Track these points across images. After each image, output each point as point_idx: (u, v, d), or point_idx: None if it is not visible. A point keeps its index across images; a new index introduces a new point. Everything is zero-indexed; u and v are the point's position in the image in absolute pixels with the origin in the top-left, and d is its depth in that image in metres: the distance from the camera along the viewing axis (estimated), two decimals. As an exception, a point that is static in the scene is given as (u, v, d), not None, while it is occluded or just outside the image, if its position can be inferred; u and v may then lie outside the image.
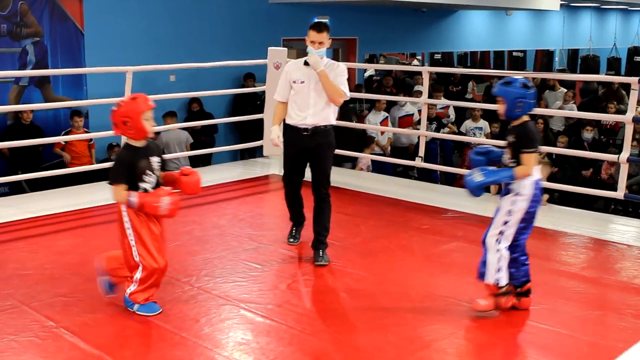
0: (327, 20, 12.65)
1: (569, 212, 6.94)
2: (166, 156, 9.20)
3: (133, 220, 4.11)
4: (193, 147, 9.95)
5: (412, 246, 5.81)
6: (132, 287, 4.20)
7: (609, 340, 4.09)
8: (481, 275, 4.32)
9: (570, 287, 4.93)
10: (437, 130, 10.63)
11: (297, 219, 5.70)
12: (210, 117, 10.52)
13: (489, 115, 11.06)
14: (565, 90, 12.65)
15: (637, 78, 6.23)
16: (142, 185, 4.12)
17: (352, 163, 9.85)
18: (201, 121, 9.85)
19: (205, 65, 8.60)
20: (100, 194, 7.03)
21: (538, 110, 10.04)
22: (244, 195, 7.22)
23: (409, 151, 10.66)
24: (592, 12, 22.98)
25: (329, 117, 5.25)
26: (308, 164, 5.38)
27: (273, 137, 5.34)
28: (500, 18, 18.95)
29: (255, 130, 8.67)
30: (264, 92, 8.71)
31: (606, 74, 18.06)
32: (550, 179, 7.39)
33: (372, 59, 15.51)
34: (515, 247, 4.30)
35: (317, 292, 4.71)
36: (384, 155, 10.20)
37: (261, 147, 8.61)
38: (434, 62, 17.39)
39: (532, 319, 4.29)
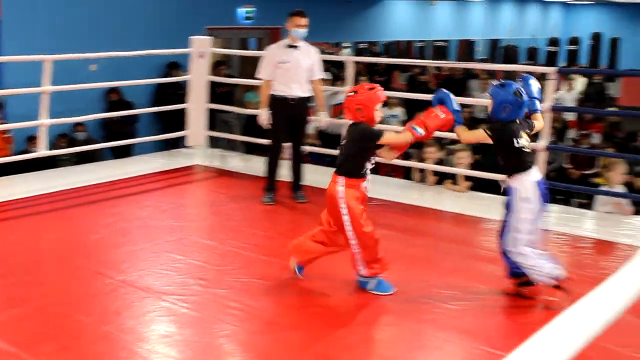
0: (253, 9, 12.61)
1: (493, 199, 7.08)
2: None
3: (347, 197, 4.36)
4: (113, 137, 9.71)
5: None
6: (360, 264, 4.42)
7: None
8: (513, 274, 4.45)
9: (491, 270, 5.04)
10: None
11: (273, 185, 6.48)
12: (131, 106, 10.26)
13: (411, 105, 11.12)
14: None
15: (555, 68, 6.41)
16: (367, 165, 4.40)
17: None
18: (123, 111, 9.57)
19: (127, 54, 8.41)
20: (19, 187, 6.85)
21: (460, 99, 10.21)
22: (167, 187, 7.12)
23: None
24: (512, 3, 23.58)
25: (308, 89, 6.43)
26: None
27: (264, 119, 6.41)
28: (424, 8, 19.21)
29: (178, 120, 8.53)
30: (185, 81, 8.59)
31: (526, 64, 18.54)
32: (473, 166, 7.54)
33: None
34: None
35: (242, 282, 4.67)
36: (314, 145, 9.90)
37: (184, 137, 8.49)
38: (359, 52, 17.46)
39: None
